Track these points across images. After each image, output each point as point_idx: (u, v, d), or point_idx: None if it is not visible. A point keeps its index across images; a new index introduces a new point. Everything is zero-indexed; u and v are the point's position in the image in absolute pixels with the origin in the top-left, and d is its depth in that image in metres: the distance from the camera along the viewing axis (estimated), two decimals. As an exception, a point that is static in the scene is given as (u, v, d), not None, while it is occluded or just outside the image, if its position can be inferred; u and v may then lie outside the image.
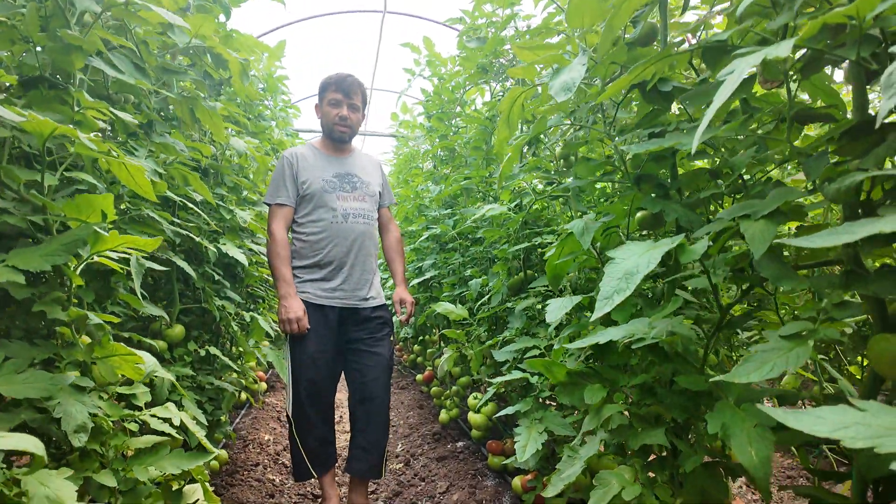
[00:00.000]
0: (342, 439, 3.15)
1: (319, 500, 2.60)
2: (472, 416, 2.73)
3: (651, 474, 1.16)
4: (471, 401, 2.78)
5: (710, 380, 0.75)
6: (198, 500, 1.54)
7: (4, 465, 0.92)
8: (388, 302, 2.58)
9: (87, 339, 1.02)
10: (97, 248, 0.89)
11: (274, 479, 2.80)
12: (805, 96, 1.08)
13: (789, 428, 0.92)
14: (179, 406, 2.04)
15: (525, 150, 2.23)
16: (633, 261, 0.82)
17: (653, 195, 1.16)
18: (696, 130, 0.66)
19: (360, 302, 2.35)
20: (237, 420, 3.64)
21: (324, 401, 2.33)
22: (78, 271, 0.93)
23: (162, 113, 1.52)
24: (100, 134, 1.25)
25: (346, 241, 2.29)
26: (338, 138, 2.34)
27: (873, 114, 0.68)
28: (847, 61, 0.85)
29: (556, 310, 1.20)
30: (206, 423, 2.18)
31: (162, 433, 1.41)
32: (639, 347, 1.17)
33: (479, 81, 2.58)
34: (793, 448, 1.10)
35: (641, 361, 1.18)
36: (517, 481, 2.26)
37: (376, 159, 2.57)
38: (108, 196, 0.85)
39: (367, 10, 8.12)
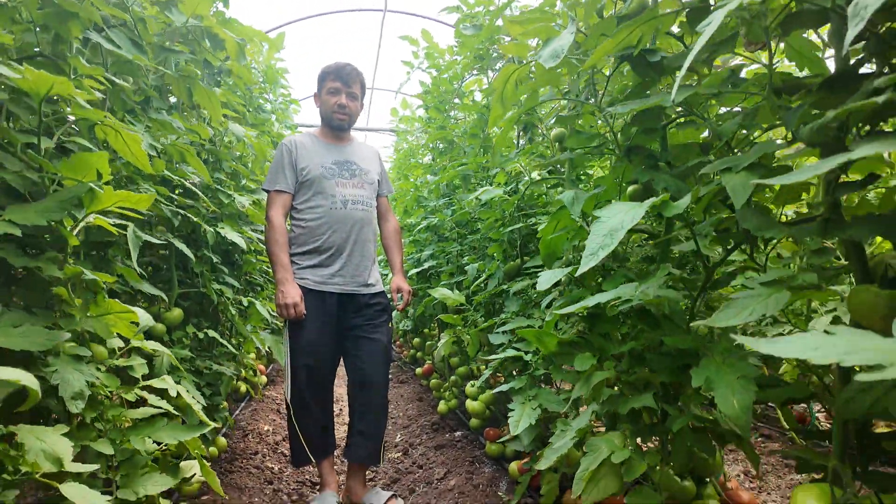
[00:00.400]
0: (341, 430, 3.16)
1: (318, 486, 2.61)
2: (469, 404, 2.74)
3: (640, 441, 1.17)
4: (469, 389, 2.79)
5: (692, 324, 0.77)
6: (195, 474, 1.56)
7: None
8: (387, 288, 2.60)
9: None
10: (93, 207, 0.91)
11: (273, 467, 2.81)
12: (792, 65, 1.10)
13: (772, 387, 0.94)
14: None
15: (520, 136, 2.25)
16: (618, 218, 0.84)
17: (643, 166, 1.18)
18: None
19: (358, 288, 2.36)
20: (237, 412, 3.66)
21: (322, 387, 2.33)
22: (75, 232, 0.94)
23: (159, 90, 1.54)
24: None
25: (345, 228, 2.30)
26: (336, 126, 2.36)
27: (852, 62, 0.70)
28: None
29: (548, 279, 1.21)
30: (205, 406, 2.20)
31: (159, 409, 1.43)
32: (628, 316, 1.19)
33: (475, 69, 2.60)
34: (779, 414, 1.11)
35: (631, 329, 1.19)
36: (514, 466, 2.27)
37: (375, 149, 2.59)
38: (103, 154, 0.87)
39: (367, 10, 8.15)
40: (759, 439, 3.14)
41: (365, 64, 9.39)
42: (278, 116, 3.65)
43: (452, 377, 3.33)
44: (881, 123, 0.67)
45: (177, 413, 1.54)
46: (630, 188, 1.29)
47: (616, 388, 1.27)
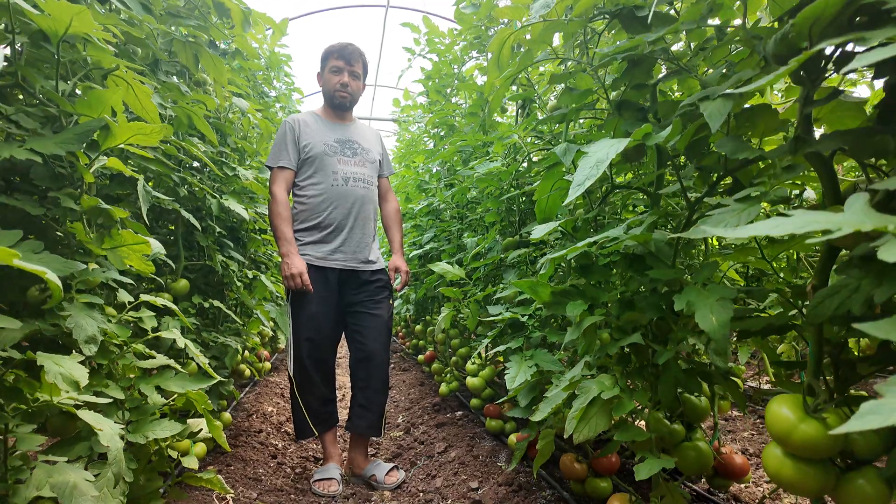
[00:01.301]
0: (344, 414, 3.21)
1: (321, 461, 2.66)
2: (470, 381, 2.78)
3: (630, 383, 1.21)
4: (469, 366, 2.83)
5: (670, 236, 0.81)
6: (201, 430, 1.61)
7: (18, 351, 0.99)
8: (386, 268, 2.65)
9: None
10: (108, 142, 0.96)
11: (277, 444, 2.86)
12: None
13: (750, 318, 0.98)
14: (185, 358, 2.11)
15: (518, 113, 2.30)
16: (604, 151, 0.88)
17: (633, 120, 1.22)
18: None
19: (359, 265, 2.41)
20: (242, 395, 3.71)
21: (324, 360, 2.38)
22: (91, 170, 1.00)
23: (167, 53, 1.58)
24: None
25: (346, 204, 2.35)
26: (338, 105, 2.40)
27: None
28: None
29: (543, 229, 1.25)
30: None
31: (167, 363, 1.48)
32: (618, 265, 1.23)
33: (474, 51, 2.65)
34: (763, 354, 1.15)
35: (621, 277, 1.23)
36: (513, 437, 2.32)
37: (376, 130, 2.64)
38: (117, 91, 0.92)
39: (370, 5, 8.22)
40: (758, 420, 3.18)
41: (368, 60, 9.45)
42: (282, 103, 3.70)
43: (453, 358, 3.38)
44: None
45: (184, 371, 1.59)
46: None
47: (608, 334, 1.32)
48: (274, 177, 2.30)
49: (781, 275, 1.31)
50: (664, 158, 1.18)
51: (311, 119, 2.40)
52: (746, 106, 0.94)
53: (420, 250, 3.22)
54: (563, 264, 1.72)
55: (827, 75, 0.70)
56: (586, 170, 0.88)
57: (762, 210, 0.73)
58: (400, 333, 6.01)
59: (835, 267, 0.78)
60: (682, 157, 0.96)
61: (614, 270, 1.26)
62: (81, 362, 0.97)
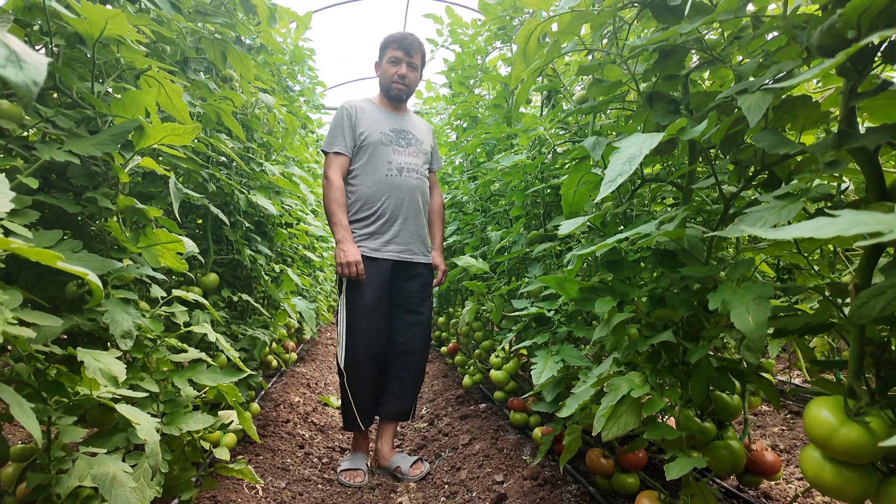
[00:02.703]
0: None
1: (347, 451, 2.70)
2: (494, 374, 2.78)
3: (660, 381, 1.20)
4: (493, 359, 2.83)
5: (706, 234, 0.79)
6: (232, 421, 1.64)
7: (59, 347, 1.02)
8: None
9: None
10: (142, 143, 0.98)
11: (304, 434, 2.91)
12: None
13: (787, 317, 0.95)
14: (215, 350, 2.16)
15: (543, 104, 2.27)
16: (637, 146, 0.87)
17: (664, 112, 1.19)
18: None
19: (412, 256, 2.38)
20: (269, 385, 3.78)
21: (377, 352, 2.33)
22: (126, 170, 1.02)
23: (195, 50, 1.60)
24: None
25: (400, 195, 2.31)
26: (395, 96, 2.36)
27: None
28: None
29: (570, 225, 1.24)
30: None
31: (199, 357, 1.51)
32: (648, 261, 1.21)
33: (498, 42, 2.62)
34: (796, 348, 1.12)
35: (652, 273, 1.21)
36: (537, 431, 2.31)
37: (428, 124, 2.60)
38: (150, 92, 0.94)
39: (392, -5, 8.18)
40: (789, 416, 3.11)
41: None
42: (306, 97, 3.73)
43: (477, 351, 3.38)
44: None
45: (214, 364, 1.63)
46: (652, 139, 1.31)
47: (636, 330, 1.30)
48: (329, 162, 2.26)
49: (817, 268, 1.28)
50: (696, 152, 1.15)
51: (367, 106, 2.35)
52: (784, 97, 0.91)
53: (443, 243, 3.22)
54: (589, 260, 1.70)
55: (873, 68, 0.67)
56: (618, 166, 0.86)
57: (803, 207, 0.70)
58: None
59: (879, 266, 0.76)
60: (714, 151, 0.93)
61: (643, 265, 1.23)
62: (118, 357, 1.00)
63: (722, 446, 1.17)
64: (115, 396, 1.06)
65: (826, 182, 0.69)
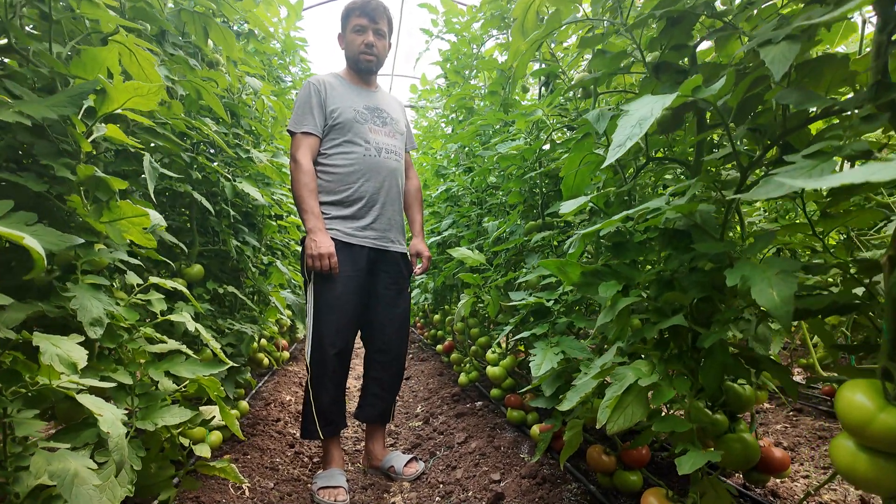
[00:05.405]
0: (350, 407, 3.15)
1: (320, 464, 2.40)
2: (490, 370, 2.70)
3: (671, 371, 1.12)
4: (489, 355, 2.75)
5: (727, 198, 0.71)
6: (214, 417, 1.56)
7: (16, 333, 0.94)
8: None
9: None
10: (105, 107, 0.90)
11: (294, 433, 2.82)
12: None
13: (810, 296, 0.87)
14: (200, 346, 2.07)
15: (542, 90, 2.19)
16: (647, 108, 0.79)
17: (672, 83, 1.12)
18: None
19: (390, 244, 2.23)
20: (260, 384, 3.69)
21: (344, 348, 2.16)
22: (90, 139, 0.93)
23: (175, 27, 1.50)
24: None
25: (379, 177, 2.14)
26: (364, 68, 2.18)
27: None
28: None
29: (572, 205, 1.16)
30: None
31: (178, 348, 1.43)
32: (656, 242, 1.13)
33: (494, 30, 2.55)
34: (805, 337, 1.05)
35: (660, 255, 1.13)
36: (536, 428, 2.23)
37: (400, 100, 2.44)
38: (112, 49, 0.85)
39: (386, -8, 8.10)
40: (791, 413, 3.05)
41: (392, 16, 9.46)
42: (298, 89, 3.64)
43: (473, 348, 3.30)
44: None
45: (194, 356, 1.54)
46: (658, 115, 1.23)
47: (640, 321, 1.22)
48: (297, 143, 2.05)
49: (833, 252, 1.20)
50: (706, 126, 1.07)
51: (336, 82, 2.17)
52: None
53: (438, 237, 3.14)
54: (590, 248, 1.62)
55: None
56: (627, 129, 0.78)
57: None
58: (418, 324, 5.96)
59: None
60: (725, 125, 0.85)
61: (653, 245, 1.16)
62: (83, 343, 0.91)
63: (735, 439, 1.09)
64: (80, 387, 0.98)
65: (865, 143, 0.62)
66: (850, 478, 0.69)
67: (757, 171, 0.87)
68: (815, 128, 0.88)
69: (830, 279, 1.11)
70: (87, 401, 0.89)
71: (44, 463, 0.87)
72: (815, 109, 0.74)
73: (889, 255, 0.72)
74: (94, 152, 1.00)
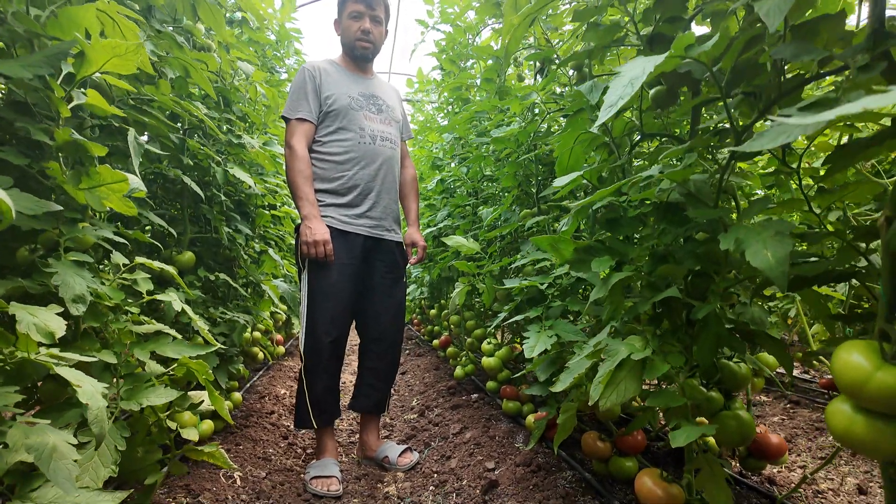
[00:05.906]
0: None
1: (313, 454, 2.40)
2: (486, 362, 2.68)
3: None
4: (485, 346, 2.73)
5: (730, 149, 0.69)
6: (203, 401, 1.53)
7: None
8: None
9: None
10: (84, 71, 0.87)
11: (288, 425, 2.80)
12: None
13: (805, 263, 0.85)
14: (192, 333, 2.05)
15: (536, 75, 2.18)
16: (639, 68, 0.77)
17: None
18: None
19: (385, 233, 2.20)
20: (255, 378, 3.66)
21: (338, 336, 2.13)
22: (70, 106, 0.91)
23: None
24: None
25: (374, 164, 2.12)
26: (360, 55, 2.16)
27: None
28: None
29: (565, 180, 1.14)
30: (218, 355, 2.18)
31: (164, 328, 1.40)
32: (650, 216, 1.12)
33: (490, 20, 2.53)
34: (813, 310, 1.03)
35: (654, 229, 1.12)
36: (531, 418, 2.22)
37: (396, 89, 2.41)
38: (90, 7, 0.83)
39: (384, -10, 8.08)
40: (789, 405, 3.03)
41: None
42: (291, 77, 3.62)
43: (469, 340, 3.28)
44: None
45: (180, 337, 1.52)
46: (652, 91, 1.21)
47: (633, 303, 1.20)
48: (292, 129, 2.02)
49: (829, 228, 1.19)
50: (700, 94, 1.06)
51: (331, 68, 2.15)
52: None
53: (434, 229, 3.12)
54: (584, 227, 1.60)
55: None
56: (619, 89, 0.76)
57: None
58: (415, 320, 5.93)
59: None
60: (718, 86, 0.83)
61: (646, 219, 1.14)
62: (63, 316, 0.89)
63: (730, 416, 1.07)
64: (60, 360, 0.95)
65: (863, 91, 0.60)
66: (847, 442, 0.67)
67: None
68: (808, 97, 0.86)
69: (827, 251, 1.09)
70: (67, 372, 0.87)
71: (21, 436, 0.85)
72: (810, 72, 0.72)
73: (886, 216, 0.70)
74: (77, 123, 0.98)
